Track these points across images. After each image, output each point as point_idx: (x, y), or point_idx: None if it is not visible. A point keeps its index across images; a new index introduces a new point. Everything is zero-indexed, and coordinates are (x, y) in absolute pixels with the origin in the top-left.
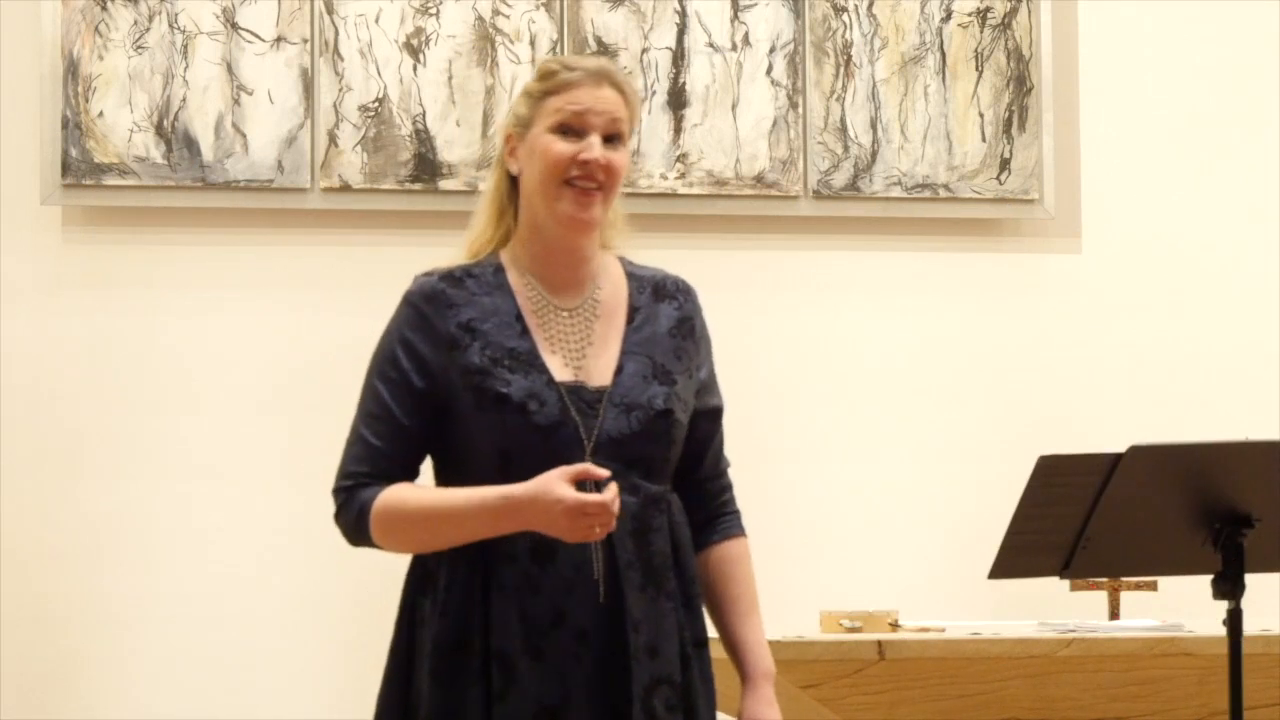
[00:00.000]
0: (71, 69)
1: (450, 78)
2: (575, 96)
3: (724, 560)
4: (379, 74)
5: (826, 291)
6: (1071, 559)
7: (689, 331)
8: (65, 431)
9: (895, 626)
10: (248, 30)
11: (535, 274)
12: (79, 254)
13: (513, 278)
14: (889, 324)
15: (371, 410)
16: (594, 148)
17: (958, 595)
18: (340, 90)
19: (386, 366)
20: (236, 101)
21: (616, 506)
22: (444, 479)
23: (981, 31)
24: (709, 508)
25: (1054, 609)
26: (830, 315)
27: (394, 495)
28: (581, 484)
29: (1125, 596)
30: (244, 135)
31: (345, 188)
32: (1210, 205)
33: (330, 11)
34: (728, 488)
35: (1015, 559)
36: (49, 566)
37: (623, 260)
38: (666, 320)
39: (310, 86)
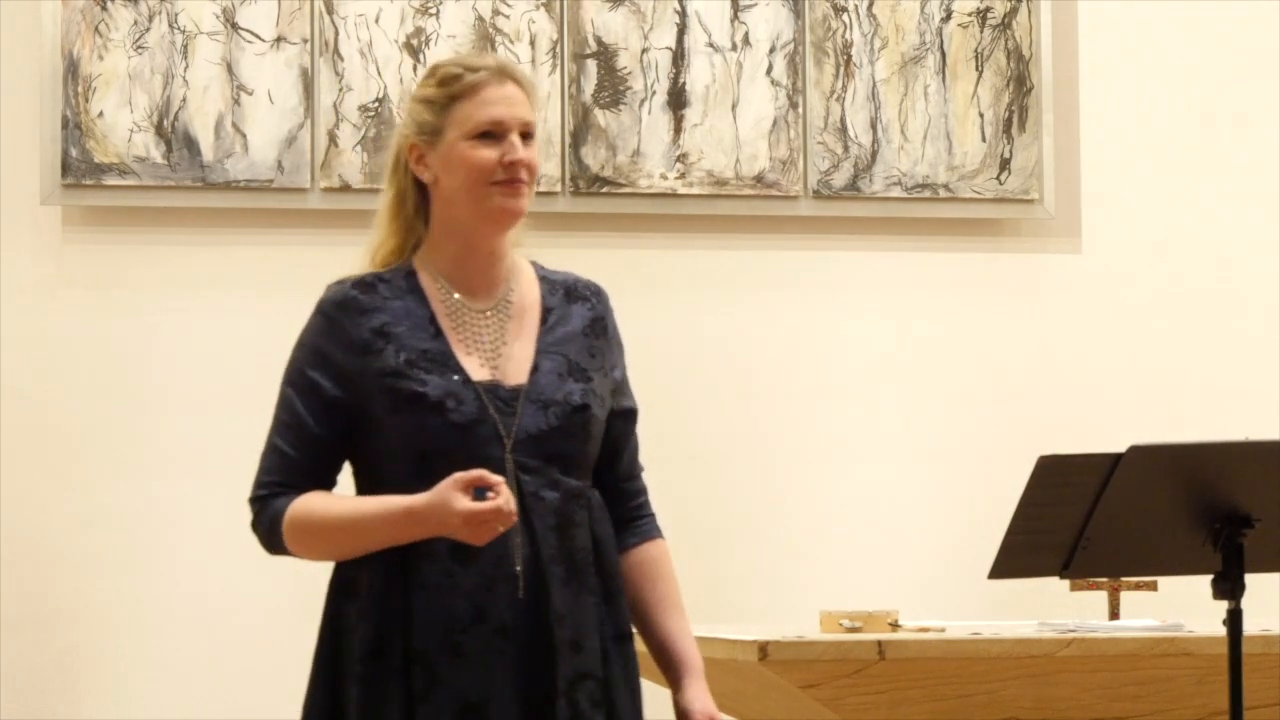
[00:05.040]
0: (71, 69)
1: None
2: (486, 99)
3: (645, 562)
4: (379, 74)
5: (826, 291)
6: (1071, 559)
7: (602, 331)
8: (65, 431)
9: (895, 626)
10: (248, 30)
11: (449, 277)
12: (79, 254)
13: (425, 282)
14: (889, 324)
15: (284, 420)
16: (517, 148)
17: (958, 595)
18: (340, 90)
19: (298, 376)
20: (236, 101)
21: (511, 505)
22: (362, 486)
23: (981, 31)
24: (624, 510)
25: (1054, 609)
26: (830, 315)
27: (304, 505)
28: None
29: (1125, 596)
30: (244, 135)
31: (345, 188)
32: (1210, 205)
33: (330, 11)
34: (643, 490)
35: (1015, 559)
36: (48, 566)
37: (535, 265)
38: (579, 320)
39: (310, 86)
